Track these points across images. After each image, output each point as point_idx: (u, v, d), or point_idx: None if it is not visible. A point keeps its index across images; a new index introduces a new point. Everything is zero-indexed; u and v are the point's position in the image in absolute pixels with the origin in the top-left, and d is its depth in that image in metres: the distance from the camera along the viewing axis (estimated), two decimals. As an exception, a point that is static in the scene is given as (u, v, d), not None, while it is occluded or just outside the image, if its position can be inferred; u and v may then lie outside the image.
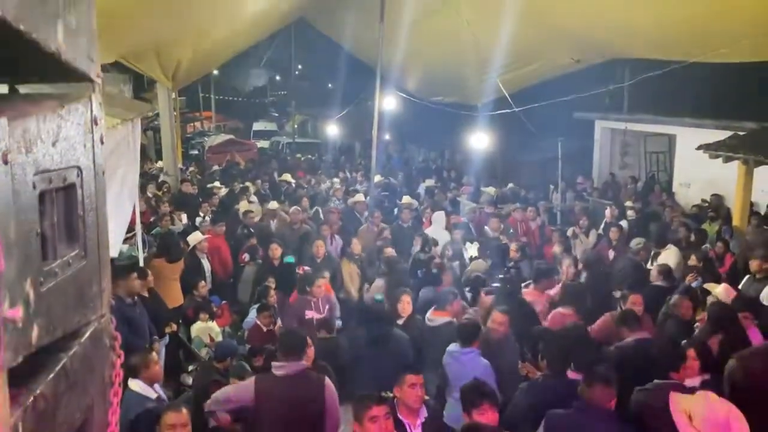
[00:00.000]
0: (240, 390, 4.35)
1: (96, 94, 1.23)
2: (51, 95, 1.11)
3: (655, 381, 4.38)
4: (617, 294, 7.13)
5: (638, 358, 4.90)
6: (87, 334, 1.16)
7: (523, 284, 7.02)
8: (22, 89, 1.21)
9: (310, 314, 6.60)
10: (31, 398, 0.93)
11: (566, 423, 3.94)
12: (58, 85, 1.25)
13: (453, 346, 5.26)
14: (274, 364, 4.41)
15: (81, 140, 1.13)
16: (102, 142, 1.24)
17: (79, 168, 1.11)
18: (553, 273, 7.33)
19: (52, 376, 1.00)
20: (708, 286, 6.62)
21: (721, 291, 6.29)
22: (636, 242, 8.51)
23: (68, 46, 1.06)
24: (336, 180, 16.23)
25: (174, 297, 7.80)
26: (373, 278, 7.90)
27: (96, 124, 1.21)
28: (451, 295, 6.36)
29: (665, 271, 7.38)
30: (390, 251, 8.39)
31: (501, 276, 7.16)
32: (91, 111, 1.19)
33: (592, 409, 3.92)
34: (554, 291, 6.82)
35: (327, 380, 4.42)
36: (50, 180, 1.00)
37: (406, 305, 6.16)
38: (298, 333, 4.93)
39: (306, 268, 7.77)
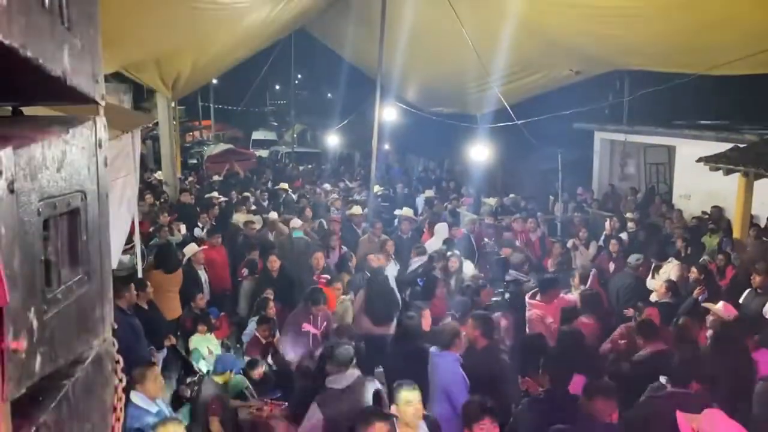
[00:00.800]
0: (310, 423, 4.34)
1: (101, 116, 1.22)
2: (56, 119, 1.10)
3: (668, 389, 4.39)
4: (628, 312, 7.13)
5: (654, 370, 4.89)
6: (89, 360, 1.15)
7: (528, 294, 6.97)
8: (27, 111, 1.21)
9: (306, 327, 6.57)
10: (34, 429, 0.92)
11: None
12: (62, 106, 1.24)
13: (433, 348, 5.31)
14: (329, 378, 4.49)
15: (85, 164, 1.12)
16: (106, 165, 1.23)
17: (83, 192, 1.10)
18: (558, 283, 7.26)
19: (54, 404, 0.99)
20: (707, 304, 6.61)
21: (720, 308, 6.27)
22: (635, 258, 8.44)
23: (74, 70, 1.05)
24: (327, 186, 16.26)
25: (173, 309, 7.77)
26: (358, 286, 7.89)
27: (100, 146, 1.20)
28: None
29: (672, 287, 7.38)
30: (373, 258, 8.32)
31: (500, 290, 7.11)
32: (96, 134, 1.18)
33: (594, 423, 3.90)
34: (562, 302, 6.77)
35: (376, 381, 4.55)
36: (55, 206, 0.99)
37: (427, 320, 6.21)
38: (348, 344, 4.97)
39: (325, 276, 7.71)
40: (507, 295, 7.13)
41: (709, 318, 6.25)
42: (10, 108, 1.19)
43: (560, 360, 4.93)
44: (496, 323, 5.97)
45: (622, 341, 5.97)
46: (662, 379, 4.73)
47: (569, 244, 10.23)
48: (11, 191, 0.82)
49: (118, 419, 1.28)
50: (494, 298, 6.93)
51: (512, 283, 7.39)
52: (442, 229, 10.28)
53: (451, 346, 5.20)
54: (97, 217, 1.17)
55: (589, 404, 3.98)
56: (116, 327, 1.32)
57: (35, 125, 1.02)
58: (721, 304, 6.39)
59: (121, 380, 1.32)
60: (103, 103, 1.23)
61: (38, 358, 0.92)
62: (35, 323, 0.91)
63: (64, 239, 1.06)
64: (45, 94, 1.15)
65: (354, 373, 4.48)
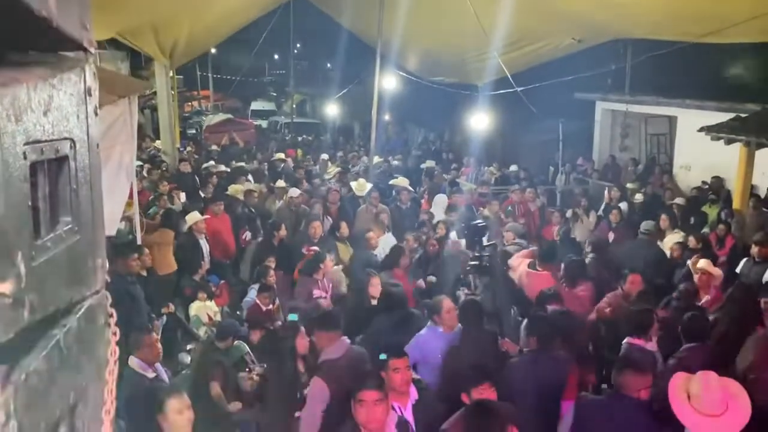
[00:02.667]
0: (312, 394, 4.38)
1: (90, 63, 1.19)
2: (42, 63, 1.06)
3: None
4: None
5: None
6: (81, 311, 1.14)
7: (526, 263, 6.92)
8: (12, 57, 1.17)
9: (317, 293, 6.64)
10: (23, 375, 0.91)
11: (595, 410, 3.91)
12: (49, 54, 1.21)
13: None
14: (324, 351, 4.49)
15: (74, 111, 1.09)
16: (96, 114, 1.20)
17: (72, 140, 1.07)
18: (557, 256, 7.13)
19: (44, 353, 0.98)
20: (690, 262, 6.69)
21: (705, 265, 6.36)
22: (651, 225, 8.34)
23: (61, 12, 1.02)
24: (325, 156, 16.24)
25: (169, 264, 8.14)
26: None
27: (90, 95, 1.17)
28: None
29: (684, 247, 7.54)
30: (372, 236, 8.32)
31: (476, 254, 6.97)
32: (85, 81, 1.15)
33: (623, 397, 3.85)
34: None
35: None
36: (42, 151, 0.97)
37: (375, 288, 6.22)
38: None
39: (314, 248, 7.72)
40: (485, 258, 7.03)
41: (697, 277, 6.34)
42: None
43: (547, 323, 4.94)
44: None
45: (608, 308, 5.98)
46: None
47: (569, 213, 10.21)
48: (-7, 131, 0.80)
49: (111, 373, 1.28)
50: (472, 262, 6.86)
51: (490, 247, 7.30)
52: (441, 200, 10.26)
53: (433, 318, 5.22)
54: (87, 167, 1.15)
55: (619, 377, 3.90)
56: (110, 281, 1.30)
57: (20, 68, 0.99)
58: (704, 261, 6.45)
59: (114, 333, 1.31)
60: (92, 50, 1.20)
61: (27, 305, 0.91)
62: (23, 269, 0.89)
63: (53, 187, 1.03)
64: (31, 38, 1.12)
65: (345, 341, 4.50)
